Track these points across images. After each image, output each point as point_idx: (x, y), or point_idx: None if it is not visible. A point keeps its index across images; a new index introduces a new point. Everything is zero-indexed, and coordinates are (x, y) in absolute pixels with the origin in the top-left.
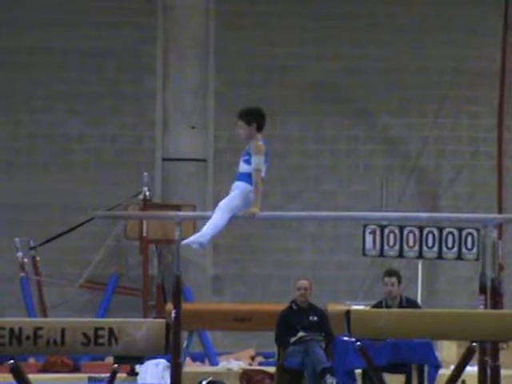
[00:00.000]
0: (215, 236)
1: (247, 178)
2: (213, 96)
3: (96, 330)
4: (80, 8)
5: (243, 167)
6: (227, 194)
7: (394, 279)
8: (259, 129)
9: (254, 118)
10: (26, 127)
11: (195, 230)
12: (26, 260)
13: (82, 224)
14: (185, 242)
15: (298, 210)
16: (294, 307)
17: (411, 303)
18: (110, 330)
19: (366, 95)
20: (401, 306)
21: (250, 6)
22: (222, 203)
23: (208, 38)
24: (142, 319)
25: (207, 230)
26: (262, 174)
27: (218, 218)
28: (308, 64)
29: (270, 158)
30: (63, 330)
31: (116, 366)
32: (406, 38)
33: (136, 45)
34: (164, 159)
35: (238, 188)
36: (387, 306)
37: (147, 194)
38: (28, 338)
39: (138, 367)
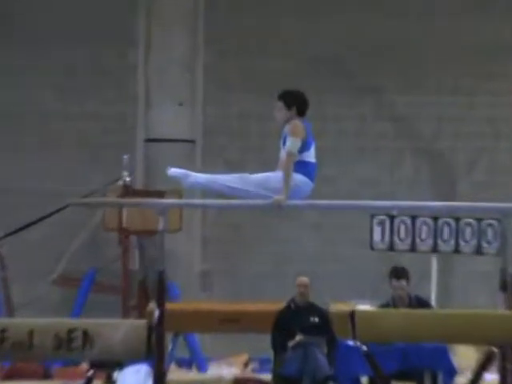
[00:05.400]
0: (206, 185)
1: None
2: (202, 69)
3: (69, 331)
4: None
5: (282, 154)
6: None
7: (403, 282)
8: (300, 114)
9: (296, 101)
10: None
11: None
12: None
13: (55, 212)
14: (172, 170)
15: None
16: (293, 307)
17: (422, 303)
18: (85, 332)
19: (373, 71)
20: (410, 305)
21: None
22: (252, 176)
23: (197, 6)
24: (121, 320)
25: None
26: (308, 159)
27: (228, 178)
28: (309, 36)
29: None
30: (31, 332)
31: (91, 372)
32: (417, 10)
33: (117, 16)
34: (146, 140)
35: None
36: (395, 306)
37: (127, 178)
38: None
39: (116, 374)
